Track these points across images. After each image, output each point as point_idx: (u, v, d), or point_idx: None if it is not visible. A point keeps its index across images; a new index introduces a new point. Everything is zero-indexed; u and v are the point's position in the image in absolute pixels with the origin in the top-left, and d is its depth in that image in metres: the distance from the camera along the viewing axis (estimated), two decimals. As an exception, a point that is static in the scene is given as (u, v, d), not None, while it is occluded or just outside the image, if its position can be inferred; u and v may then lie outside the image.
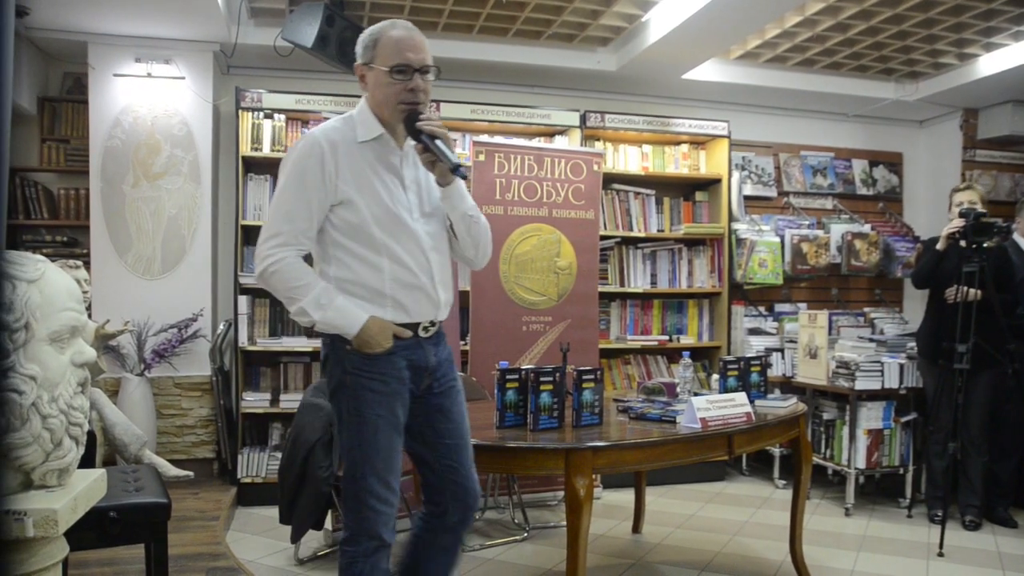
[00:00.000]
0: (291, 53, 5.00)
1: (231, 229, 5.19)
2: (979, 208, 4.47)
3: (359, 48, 2.44)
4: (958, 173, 6.75)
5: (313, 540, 4.18)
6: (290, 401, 4.96)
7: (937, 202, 6.53)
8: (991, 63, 5.84)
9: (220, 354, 5.08)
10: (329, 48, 4.69)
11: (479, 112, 5.38)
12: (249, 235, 5.06)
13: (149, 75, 5.16)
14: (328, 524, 4.12)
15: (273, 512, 4.10)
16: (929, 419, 4.78)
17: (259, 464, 4.97)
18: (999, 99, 6.49)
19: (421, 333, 2.45)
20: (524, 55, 5.66)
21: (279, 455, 4.23)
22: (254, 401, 5.05)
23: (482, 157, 4.90)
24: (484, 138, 5.18)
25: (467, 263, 2.71)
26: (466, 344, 4.96)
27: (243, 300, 5.02)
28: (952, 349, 4.33)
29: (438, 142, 2.36)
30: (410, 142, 2.45)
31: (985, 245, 4.35)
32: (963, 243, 4.37)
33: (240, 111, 5.07)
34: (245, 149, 5.08)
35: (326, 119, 4.34)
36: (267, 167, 5.18)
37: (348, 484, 2.37)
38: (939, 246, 4.54)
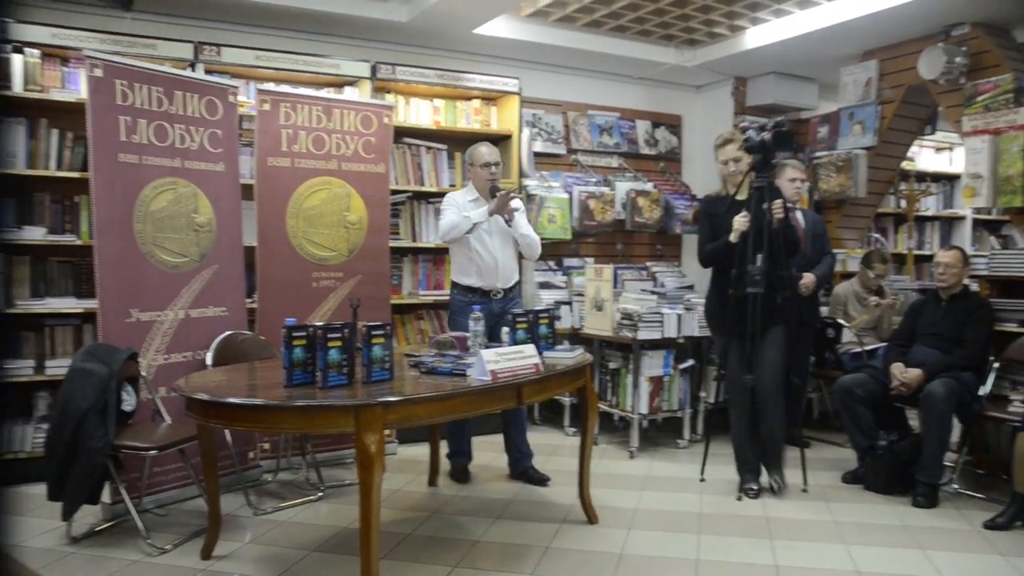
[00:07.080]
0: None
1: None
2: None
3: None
4: (730, 136, 7.20)
5: (89, 515, 3.89)
6: (58, 368, 4.54)
7: (712, 163, 6.86)
8: (757, 36, 6.26)
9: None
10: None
11: (264, 59, 5.10)
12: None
13: None
14: (106, 496, 3.85)
15: (41, 489, 3.71)
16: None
17: (22, 438, 4.55)
18: (764, 70, 6.98)
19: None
20: (312, 1, 5.41)
21: (46, 426, 3.89)
22: (15, 369, 4.58)
23: (267, 106, 4.67)
24: (270, 86, 4.92)
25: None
26: (253, 302, 4.76)
27: (-4, 258, 4.54)
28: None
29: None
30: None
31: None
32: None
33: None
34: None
35: (91, 58, 4.01)
36: (22, 109, 4.58)
37: None
38: (732, 238, 4.34)
